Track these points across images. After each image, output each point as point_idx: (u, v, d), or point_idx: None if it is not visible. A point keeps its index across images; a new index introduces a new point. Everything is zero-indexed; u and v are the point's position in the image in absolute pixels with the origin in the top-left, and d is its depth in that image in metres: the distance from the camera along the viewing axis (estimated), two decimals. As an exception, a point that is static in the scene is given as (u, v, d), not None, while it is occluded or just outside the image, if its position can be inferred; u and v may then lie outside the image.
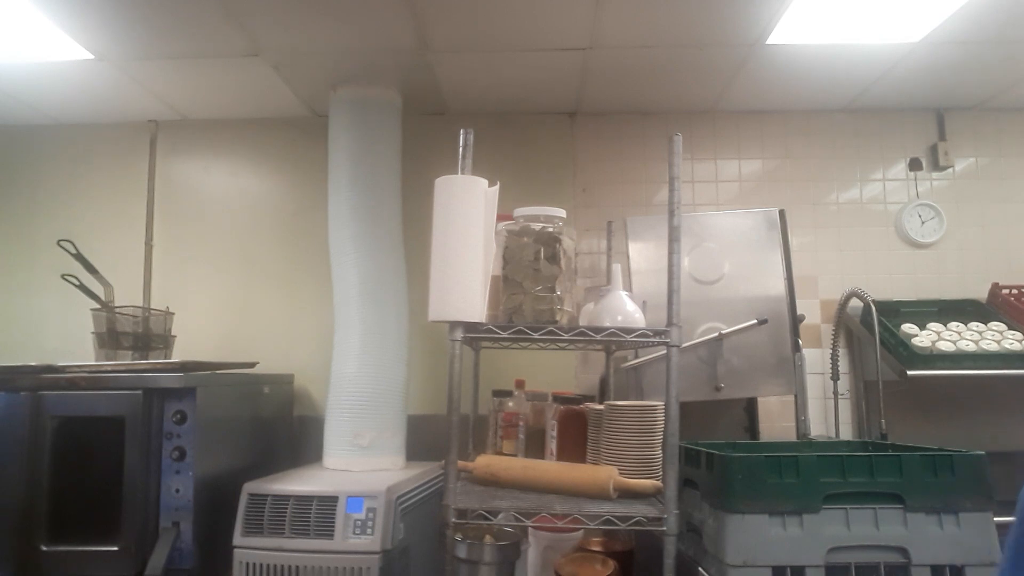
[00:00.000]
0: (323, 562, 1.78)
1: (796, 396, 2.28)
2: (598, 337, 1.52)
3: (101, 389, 1.88)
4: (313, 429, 2.48)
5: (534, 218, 1.60)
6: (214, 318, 2.75)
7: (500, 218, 1.59)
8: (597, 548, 1.80)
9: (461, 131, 1.65)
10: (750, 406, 2.44)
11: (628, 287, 2.15)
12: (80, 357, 2.57)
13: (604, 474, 1.54)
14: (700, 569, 1.50)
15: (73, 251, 2.37)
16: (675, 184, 1.51)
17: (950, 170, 2.75)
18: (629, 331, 1.51)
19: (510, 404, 2.02)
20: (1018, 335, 2.33)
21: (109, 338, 2.28)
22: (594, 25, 2.10)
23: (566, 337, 1.51)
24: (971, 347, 2.29)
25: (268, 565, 1.80)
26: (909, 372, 2.24)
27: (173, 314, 2.48)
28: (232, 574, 1.82)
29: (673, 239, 1.49)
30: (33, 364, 1.96)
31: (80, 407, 1.87)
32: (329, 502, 1.84)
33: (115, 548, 1.81)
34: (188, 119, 2.85)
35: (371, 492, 1.84)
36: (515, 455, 1.90)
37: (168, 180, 2.85)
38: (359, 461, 2.17)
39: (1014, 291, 2.54)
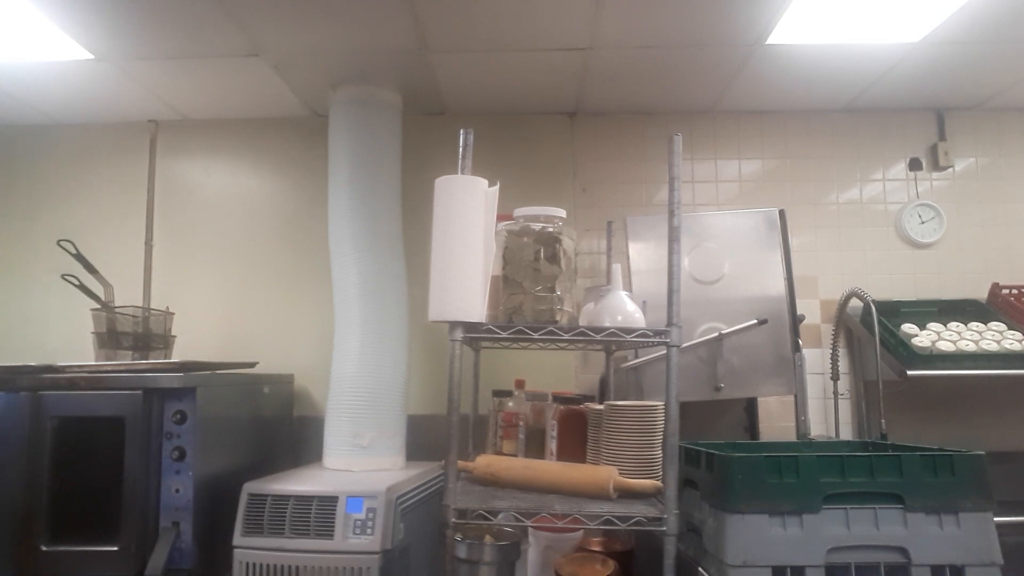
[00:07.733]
0: (323, 562, 1.78)
1: (796, 396, 2.28)
2: (598, 337, 1.52)
3: (101, 389, 1.88)
4: (313, 429, 2.49)
5: (534, 218, 1.60)
6: (214, 318, 2.75)
7: (500, 218, 1.59)
8: (597, 548, 1.80)
9: (461, 131, 1.65)
10: (750, 406, 2.44)
11: (628, 287, 2.16)
12: (80, 357, 2.58)
13: (604, 474, 1.54)
14: (700, 569, 1.50)
15: (73, 251, 2.37)
16: (675, 184, 1.51)
17: (950, 170, 2.75)
18: (629, 331, 1.51)
19: (510, 404, 2.02)
20: (1018, 335, 2.33)
21: (109, 338, 2.28)
22: (594, 25, 2.10)
23: (566, 337, 1.51)
24: (971, 347, 2.29)
25: (268, 565, 1.80)
26: (909, 372, 2.24)
27: (173, 314, 2.48)
28: (232, 574, 1.83)
29: (673, 239, 1.49)
30: (33, 364, 1.96)
31: (80, 407, 1.87)
32: (329, 502, 1.84)
33: (115, 548, 1.81)
34: (188, 119, 2.85)
35: (371, 492, 1.85)
36: (515, 455, 1.90)
37: (168, 180, 2.85)
38: (359, 461, 2.18)
39: (1014, 291, 2.54)
